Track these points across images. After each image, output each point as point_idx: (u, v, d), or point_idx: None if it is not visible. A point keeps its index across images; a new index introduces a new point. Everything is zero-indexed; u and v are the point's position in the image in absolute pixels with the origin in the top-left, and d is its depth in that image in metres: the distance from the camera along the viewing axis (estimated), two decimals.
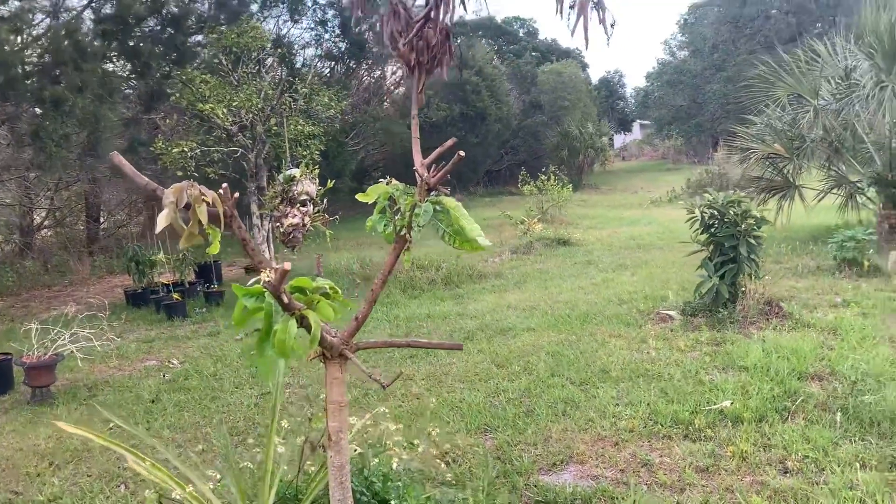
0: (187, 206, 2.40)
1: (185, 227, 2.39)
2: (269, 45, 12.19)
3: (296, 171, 3.07)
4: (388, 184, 2.62)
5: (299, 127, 10.73)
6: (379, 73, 23.23)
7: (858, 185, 11.85)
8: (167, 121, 11.47)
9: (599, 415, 5.22)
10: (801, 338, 6.57)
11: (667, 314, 7.78)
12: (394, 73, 22.29)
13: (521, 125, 28.36)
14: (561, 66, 31.19)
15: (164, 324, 9.56)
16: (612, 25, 2.62)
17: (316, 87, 12.01)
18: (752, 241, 7.24)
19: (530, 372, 6.29)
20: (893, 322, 7.03)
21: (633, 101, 55.83)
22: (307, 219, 3.00)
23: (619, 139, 57.36)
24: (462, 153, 2.36)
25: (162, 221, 2.36)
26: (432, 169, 2.49)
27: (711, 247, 7.46)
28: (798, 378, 5.56)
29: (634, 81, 79.03)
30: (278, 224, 2.84)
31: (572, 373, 6.16)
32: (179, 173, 10.01)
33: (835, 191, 12.42)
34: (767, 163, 12.06)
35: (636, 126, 57.25)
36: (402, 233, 2.48)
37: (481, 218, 20.04)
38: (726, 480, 4.12)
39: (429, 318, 8.59)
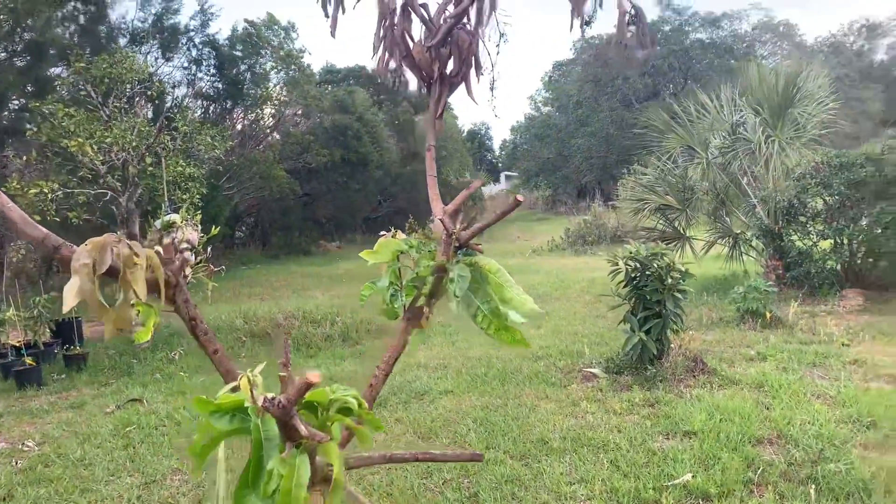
0: (111, 272, 1.61)
1: (105, 305, 1.60)
2: (146, 78, 11.02)
3: (175, 217, 2.38)
4: (392, 237, 1.94)
5: (179, 168, 9.62)
6: (254, 115, 22.14)
7: (743, 236, 12.19)
8: (23, 158, 9.99)
9: (554, 497, 4.62)
10: (734, 396, 6.32)
11: (590, 372, 7.37)
12: (272, 114, 21.30)
13: (400, 173, 27.98)
14: None
15: (15, 394, 8.09)
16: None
17: (197, 125, 10.96)
18: (678, 294, 7.00)
19: (461, 445, 5.62)
20: (814, 376, 6.95)
21: (502, 152, 57.41)
22: (188, 269, 2.31)
23: (487, 189, 58.66)
24: (521, 198, 1.73)
25: (71, 296, 1.57)
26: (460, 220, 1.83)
27: (634, 300, 7.16)
28: (750, 443, 5.23)
29: (500, 134, 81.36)
30: None
31: (508, 444, 5.56)
32: (37, 217, 8.65)
33: (720, 242, 12.73)
34: (659, 214, 12.20)
35: (502, 177, 58.74)
36: (420, 308, 1.80)
37: (367, 267, 19.30)
38: None
39: (332, 381, 7.71)
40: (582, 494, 4.63)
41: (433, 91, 2.05)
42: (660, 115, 12.17)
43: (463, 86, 2.09)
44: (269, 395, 1.24)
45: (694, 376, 6.98)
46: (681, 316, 7.17)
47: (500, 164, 56.09)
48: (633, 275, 7.12)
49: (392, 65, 2.05)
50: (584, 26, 2.01)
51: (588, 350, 8.23)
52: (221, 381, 6.59)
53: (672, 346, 7.12)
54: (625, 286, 7.20)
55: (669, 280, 6.90)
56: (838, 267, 10.86)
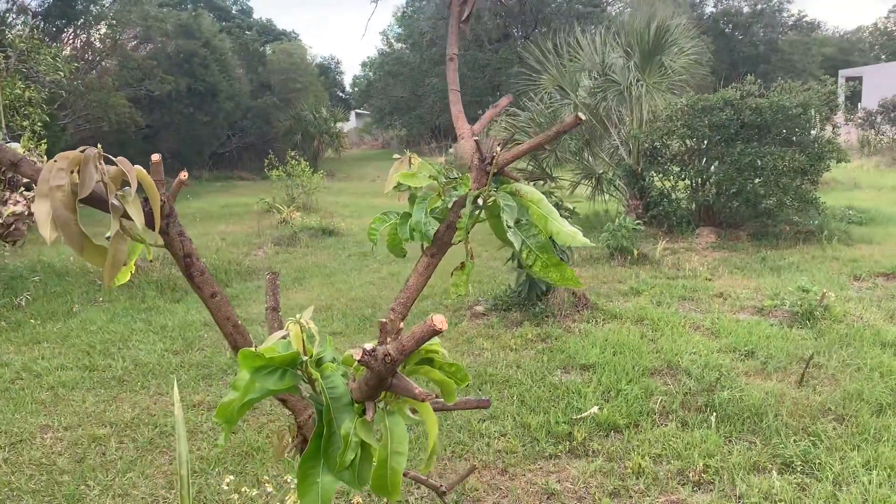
0: (96, 200, 1.27)
1: (90, 240, 1.26)
2: None
3: (17, 146, 1.99)
4: (409, 161, 1.68)
5: (17, 90, 8.39)
6: (86, 36, 19.95)
7: (606, 176, 12.63)
8: None
9: (468, 435, 4.57)
10: (619, 330, 6.55)
11: (479, 310, 7.38)
12: (108, 35, 19.27)
13: (251, 106, 26.54)
14: (290, 47, 29.84)
15: None
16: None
17: (36, 42, 9.61)
18: None
19: None
20: (686, 309, 7.35)
21: (354, 89, 56.01)
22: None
23: (340, 127, 57.19)
24: (583, 116, 1.52)
25: (48, 228, 1.22)
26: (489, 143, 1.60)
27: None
28: (645, 375, 5.44)
29: (351, 69, 79.01)
30: None
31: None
32: None
33: (584, 182, 13.12)
34: (530, 154, 12.35)
35: (352, 115, 57.46)
36: (447, 243, 1.58)
37: (221, 205, 18.27)
38: (645, 503, 3.72)
39: (206, 326, 7.24)
40: (495, 431, 4.61)
41: None
42: (534, 54, 12.19)
43: None
44: (369, 346, 0.99)
45: (579, 311, 7.17)
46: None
47: (352, 102, 54.70)
48: None
49: None
50: None
51: (472, 289, 8.23)
52: (81, 328, 6.02)
53: None
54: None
55: None
56: (693, 206, 11.54)
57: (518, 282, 7.13)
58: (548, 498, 3.87)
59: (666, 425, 4.61)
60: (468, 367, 5.76)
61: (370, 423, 1.10)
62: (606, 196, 12.90)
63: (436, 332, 0.92)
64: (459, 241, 1.60)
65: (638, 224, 9.70)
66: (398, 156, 1.73)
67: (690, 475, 3.99)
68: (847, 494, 3.67)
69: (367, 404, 1.09)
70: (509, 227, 1.50)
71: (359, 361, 0.99)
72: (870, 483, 3.76)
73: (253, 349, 1.18)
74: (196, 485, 4.10)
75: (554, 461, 4.26)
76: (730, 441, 4.36)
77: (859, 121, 25.35)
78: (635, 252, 9.52)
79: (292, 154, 16.78)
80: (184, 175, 1.36)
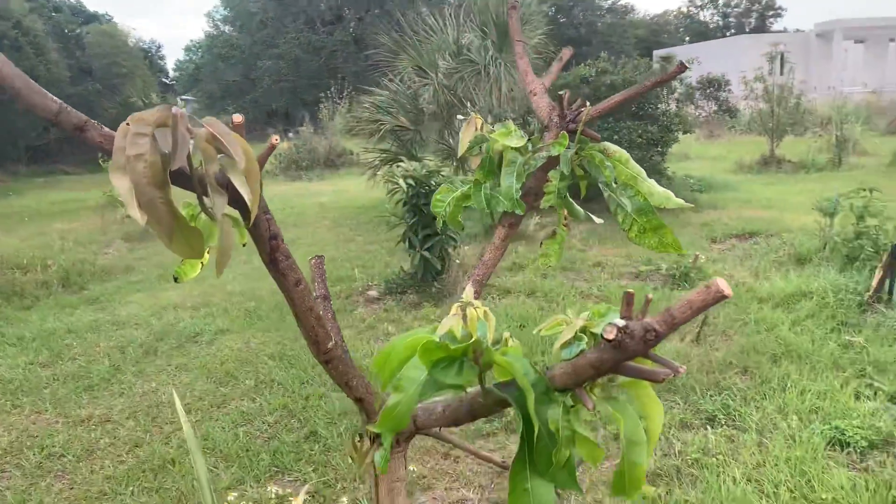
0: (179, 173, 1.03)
1: (184, 223, 1.01)
2: None
3: None
4: (477, 123, 1.51)
5: None
6: None
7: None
8: None
9: None
10: (515, 304, 6.63)
11: (372, 295, 7.18)
12: None
13: (71, 94, 24.23)
14: (111, 29, 27.59)
15: None
16: None
17: None
18: None
19: (271, 386, 5.11)
20: (571, 280, 7.57)
21: (178, 73, 52.99)
22: None
23: None
24: (687, 64, 1.42)
25: (134, 205, 0.97)
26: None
27: (414, 219, 7.05)
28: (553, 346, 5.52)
29: (172, 54, 74.68)
30: None
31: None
32: None
33: (447, 161, 13.16)
34: (393, 135, 12.19)
35: (179, 101, 54.35)
36: (543, 204, 1.44)
37: (51, 202, 16.56)
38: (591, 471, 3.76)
39: (71, 333, 6.52)
40: None
41: None
42: (391, 35, 12.00)
43: None
44: (620, 322, 0.84)
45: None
46: (458, 232, 7.26)
47: (177, 87, 51.63)
48: (411, 193, 6.99)
49: None
50: None
51: (358, 273, 8.00)
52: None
53: (454, 262, 7.21)
54: (403, 205, 7.05)
55: None
56: None
57: (413, 263, 7.01)
58: (497, 476, 3.82)
59: None
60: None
61: (577, 410, 0.96)
62: (470, 176, 13.02)
63: (722, 298, 0.79)
64: (549, 206, 1.46)
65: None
66: (461, 116, 1.55)
67: None
68: (772, 441, 3.91)
69: (579, 392, 0.94)
70: (608, 187, 1.38)
71: (609, 341, 0.84)
72: (788, 428, 4.03)
73: (435, 338, 0.99)
74: None
75: (493, 438, 4.22)
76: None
77: (679, 97, 27.33)
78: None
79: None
80: (275, 139, 1.12)
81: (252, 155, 1.05)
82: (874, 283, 5.72)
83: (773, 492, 3.40)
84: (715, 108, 22.03)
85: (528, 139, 1.45)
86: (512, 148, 1.42)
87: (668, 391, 4.62)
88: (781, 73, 20.08)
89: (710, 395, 4.52)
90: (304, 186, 17.35)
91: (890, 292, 5.68)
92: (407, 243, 7.09)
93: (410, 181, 6.88)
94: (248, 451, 4.16)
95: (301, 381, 5.12)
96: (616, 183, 1.43)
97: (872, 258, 6.30)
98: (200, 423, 4.55)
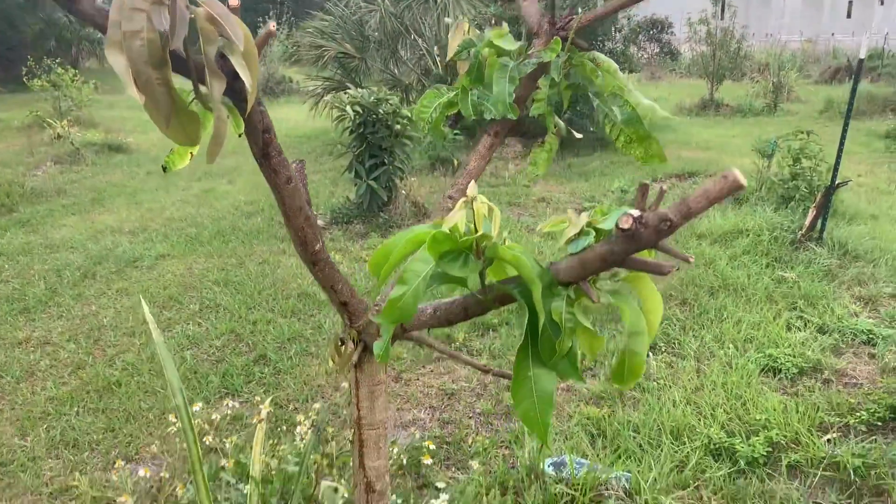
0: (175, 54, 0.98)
1: (182, 106, 0.97)
2: None
3: None
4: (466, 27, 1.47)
5: None
6: None
7: (412, 85, 12.55)
8: None
9: None
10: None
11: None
12: None
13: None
14: None
15: None
16: None
17: None
18: (406, 140, 6.99)
19: (217, 310, 5.05)
20: (516, 215, 7.64)
21: None
22: None
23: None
24: None
25: (132, 83, 0.92)
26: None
27: (361, 148, 6.94)
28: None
29: None
30: None
31: (272, 303, 5.15)
32: None
33: (392, 92, 12.94)
34: (337, 63, 11.89)
35: None
36: (533, 111, 1.43)
37: None
38: None
39: (2, 255, 6.27)
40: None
41: None
42: None
43: None
44: (636, 212, 0.85)
45: (420, 220, 7.16)
46: (406, 162, 7.20)
47: None
48: (358, 121, 6.86)
49: None
50: None
51: None
52: None
53: (400, 192, 7.16)
54: (350, 133, 6.92)
55: (397, 126, 6.82)
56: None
57: (359, 193, 6.94)
58: (449, 397, 3.90)
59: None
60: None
61: (582, 305, 0.98)
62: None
63: (738, 188, 0.81)
64: (538, 114, 1.45)
65: (457, 133, 9.81)
66: (450, 19, 1.52)
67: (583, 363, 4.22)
68: (710, 367, 4.09)
69: (583, 285, 0.96)
70: (598, 96, 1.38)
71: (622, 231, 0.85)
72: (725, 355, 4.22)
73: (445, 230, 0.98)
74: (58, 426, 3.61)
75: (443, 363, 4.29)
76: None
77: (624, 36, 27.40)
78: (455, 162, 9.66)
79: (57, 62, 14.72)
80: (273, 26, 1.08)
81: (251, 38, 1.01)
82: (807, 222, 5.95)
83: (711, 413, 3.58)
84: (657, 49, 22.15)
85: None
86: (503, 52, 1.40)
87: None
88: (722, 18, 20.31)
89: None
90: None
91: (821, 231, 5.93)
92: (353, 173, 7.00)
93: (358, 108, 6.75)
94: (196, 373, 4.13)
95: (248, 307, 5.07)
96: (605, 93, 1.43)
97: (806, 198, 6.55)
98: (146, 347, 4.48)
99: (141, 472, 2.76)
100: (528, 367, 0.97)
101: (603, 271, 0.95)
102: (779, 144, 7.29)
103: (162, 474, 2.75)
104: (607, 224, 0.96)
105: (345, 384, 3.88)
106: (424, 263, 1.00)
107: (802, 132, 6.95)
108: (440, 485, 3.00)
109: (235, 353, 4.39)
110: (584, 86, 1.44)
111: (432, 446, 3.23)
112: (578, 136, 1.67)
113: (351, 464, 2.23)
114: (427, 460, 3.01)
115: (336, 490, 1.83)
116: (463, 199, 1.01)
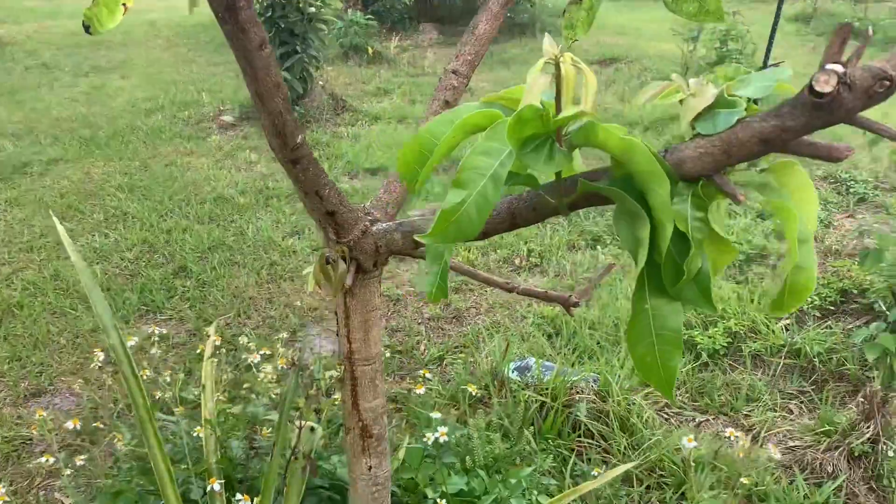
0: None
1: None
2: None
3: None
4: None
5: None
6: None
7: None
8: None
9: (280, 255, 4.11)
10: (386, 131, 6.30)
11: (225, 120, 6.53)
12: None
13: None
14: None
15: None
16: None
17: None
18: (321, 25, 6.40)
19: (125, 219, 4.56)
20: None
21: None
22: None
23: None
24: None
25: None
26: None
27: (271, 34, 6.32)
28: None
29: None
30: None
31: (186, 209, 4.70)
32: None
33: None
34: None
35: None
36: None
37: None
38: (487, 294, 3.69)
39: None
40: (304, 248, 4.20)
41: None
42: None
43: None
44: (837, 67, 0.57)
45: (339, 115, 6.71)
46: (320, 50, 6.64)
47: None
48: (266, 3, 6.22)
49: None
50: None
51: (206, 98, 7.23)
52: None
53: (317, 83, 6.63)
54: (258, 17, 6.26)
55: (311, 8, 6.22)
56: (411, 2, 11.19)
57: None
58: (395, 303, 3.67)
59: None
60: (245, 183, 5.12)
61: (717, 207, 0.71)
62: None
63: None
64: None
65: (370, 19, 9.19)
66: None
67: (517, 262, 4.04)
68: None
69: (719, 179, 0.69)
70: None
71: (817, 97, 0.58)
72: None
73: (536, 105, 0.67)
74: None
75: (386, 270, 4.01)
76: (542, 226, 4.46)
77: None
78: (370, 50, 9.07)
79: None
80: None
81: None
82: None
83: None
84: None
85: None
86: None
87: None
88: None
89: (594, 218, 4.53)
90: None
91: None
92: None
93: None
94: (109, 289, 3.71)
95: (159, 214, 4.60)
96: None
97: None
98: (47, 263, 3.99)
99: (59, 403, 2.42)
100: (644, 298, 0.71)
101: (753, 159, 0.68)
102: (703, 27, 7.12)
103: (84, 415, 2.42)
104: (749, 91, 0.68)
105: (281, 298, 3.57)
106: (490, 157, 0.70)
107: (729, 13, 6.78)
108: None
109: (151, 266, 3.97)
110: None
111: (388, 353, 3.02)
112: None
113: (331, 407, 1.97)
114: None
115: (312, 429, 1.57)
116: (545, 58, 0.70)
